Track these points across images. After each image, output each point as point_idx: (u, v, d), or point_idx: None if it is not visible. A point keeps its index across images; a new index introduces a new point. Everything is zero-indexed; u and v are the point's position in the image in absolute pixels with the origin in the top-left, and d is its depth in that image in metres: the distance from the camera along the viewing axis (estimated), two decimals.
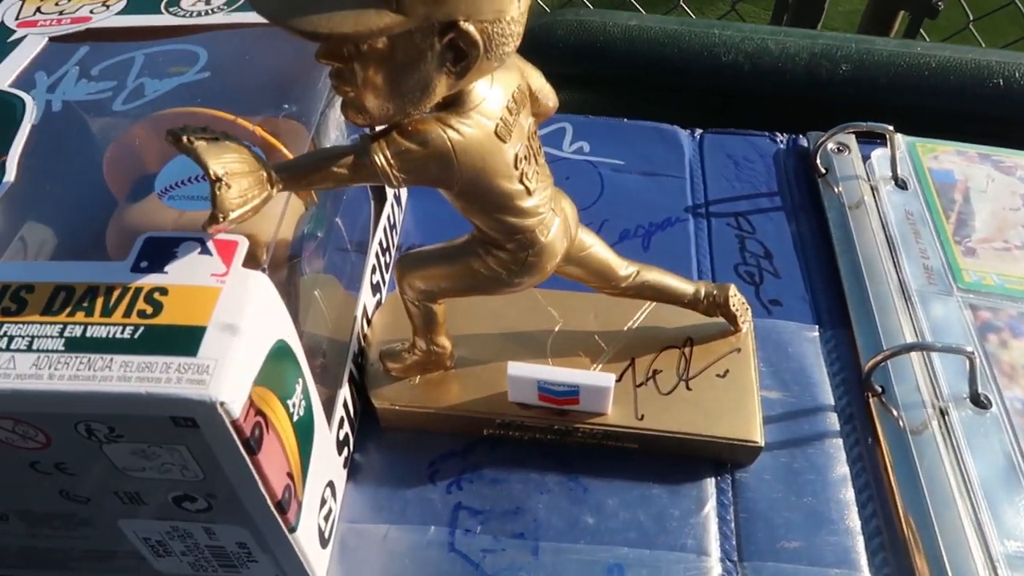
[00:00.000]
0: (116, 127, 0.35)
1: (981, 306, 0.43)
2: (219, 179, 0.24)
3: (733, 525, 0.35)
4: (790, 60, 0.67)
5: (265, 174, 0.27)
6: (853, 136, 0.55)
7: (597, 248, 0.36)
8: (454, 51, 0.25)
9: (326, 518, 0.34)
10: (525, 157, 0.30)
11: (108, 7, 0.41)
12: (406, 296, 0.35)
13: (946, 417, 0.37)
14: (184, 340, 0.25)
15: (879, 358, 0.38)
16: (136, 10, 0.40)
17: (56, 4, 0.41)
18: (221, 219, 0.25)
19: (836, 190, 0.51)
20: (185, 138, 0.25)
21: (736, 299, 0.38)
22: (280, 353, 0.27)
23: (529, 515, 0.35)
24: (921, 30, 1.12)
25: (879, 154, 0.53)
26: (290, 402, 0.28)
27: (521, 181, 0.30)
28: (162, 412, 0.24)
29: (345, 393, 0.36)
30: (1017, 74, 0.63)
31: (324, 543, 0.33)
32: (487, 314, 0.40)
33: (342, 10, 0.24)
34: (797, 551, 0.34)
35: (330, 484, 0.34)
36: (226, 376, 0.24)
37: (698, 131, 0.57)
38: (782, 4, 1.17)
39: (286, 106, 0.34)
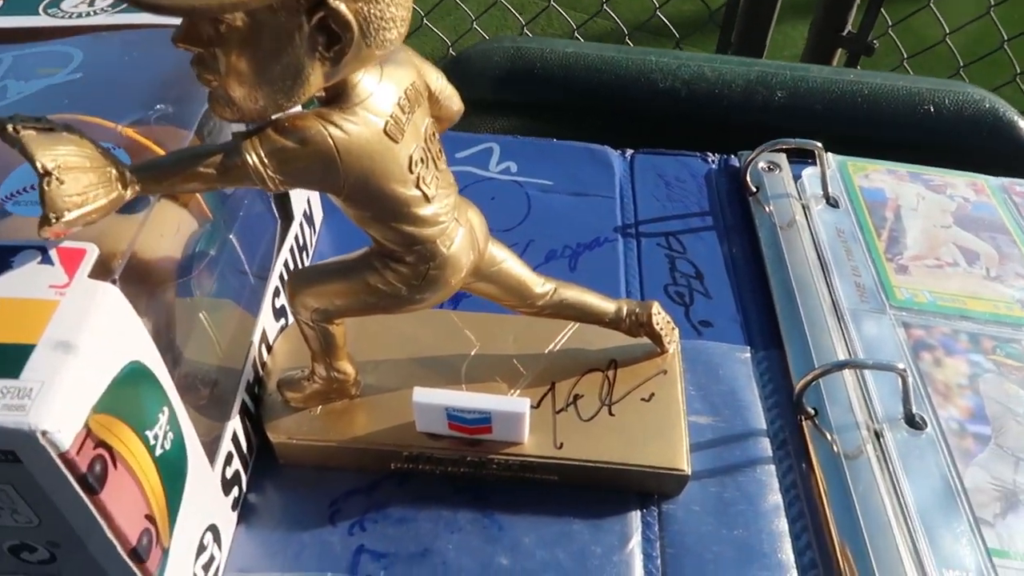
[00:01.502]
0: None
1: (914, 324, 0.41)
2: (48, 173, 0.21)
3: (659, 562, 0.32)
4: (727, 86, 0.67)
5: (114, 171, 0.23)
6: (784, 155, 0.54)
7: (510, 263, 0.33)
8: (326, 33, 0.23)
9: (206, 567, 0.30)
10: (422, 160, 0.28)
11: None
12: (300, 316, 0.32)
13: (881, 439, 0.35)
14: (7, 360, 0.21)
15: (809, 377, 0.36)
16: (12, 11, 0.37)
17: None
18: (54, 220, 0.22)
19: (767, 209, 0.49)
20: (11, 127, 0.21)
21: (660, 317, 0.36)
22: (134, 377, 0.24)
23: (438, 557, 0.32)
24: (858, 67, 1.15)
25: (810, 172, 0.52)
26: (150, 433, 0.25)
27: (417, 186, 0.28)
28: None
29: (235, 426, 0.33)
30: (947, 100, 0.64)
31: None
32: (397, 337, 0.38)
33: None
34: None
35: (212, 528, 0.30)
36: (52, 401, 0.20)
37: (629, 151, 0.55)
38: (725, 44, 1.19)
39: (160, 106, 0.31)
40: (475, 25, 1.30)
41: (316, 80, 0.24)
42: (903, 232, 0.48)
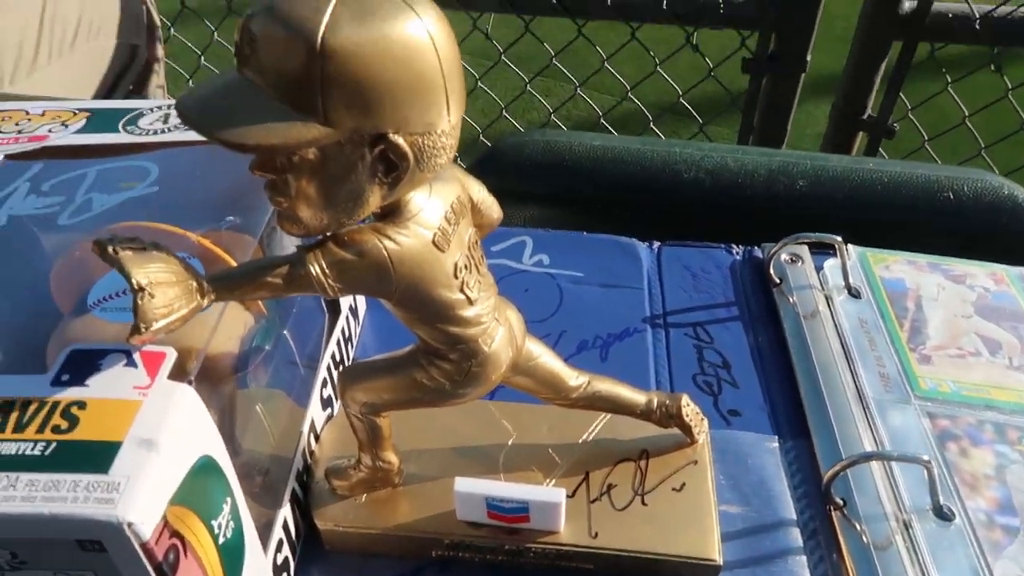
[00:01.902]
0: (62, 241, 0.34)
1: (939, 414, 0.42)
2: (142, 288, 0.24)
3: None
4: (749, 176, 0.70)
5: (195, 284, 0.26)
6: (806, 247, 0.56)
7: (545, 358, 0.35)
8: (385, 162, 0.26)
9: None
10: (466, 266, 0.31)
11: (67, 126, 0.42)
12: (349, 409, 0.34)
13: (910, 530, 0.36)
14: (97, 457, 0.23)
15: (837, 468, 0.37)
16: (94, 129, 0.41)
17: (16, 124, 0.42)
18: (143, 329, 0.24)
19: (791, 300, 0.51)
20: (111, 248, 0.24)
21: (689, 409, 0.38)
22: (204, 470, 0.26)
23: None
24: (880, 149, 1.18)
25: (831, 264, 0.54)
26: (215, 523, 0.27)
27: (462, 290, 0.30)
28: (67, 535, 0.22)
29: (286, 513, 0.35)
30: (966, 188, 0.66)
31: None
32: (438, 427, 0.39)
33: (270, 122, 0.24)
34: None
35: None
36: (138, 495, 0.23)
37: (656, 243, 0.58)
38: (747, 127, 1.23)
39: (230, 218, 0.34)
40: (504, 113, 1.36)
41: (375, 201, 0.27)
42: (925, 322, 0.49)
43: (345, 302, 0.46)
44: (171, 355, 0.27)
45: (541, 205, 0.74)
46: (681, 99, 1.25)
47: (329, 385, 0.42)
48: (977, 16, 1.01)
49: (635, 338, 0.49)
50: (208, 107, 0.25)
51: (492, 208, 0.34)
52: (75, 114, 0.43)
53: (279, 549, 0.34)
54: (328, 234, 0.28)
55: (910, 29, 1.04)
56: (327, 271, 0.28)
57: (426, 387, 0.32)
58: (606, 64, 1.21)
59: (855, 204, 0.67)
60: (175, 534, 0.24)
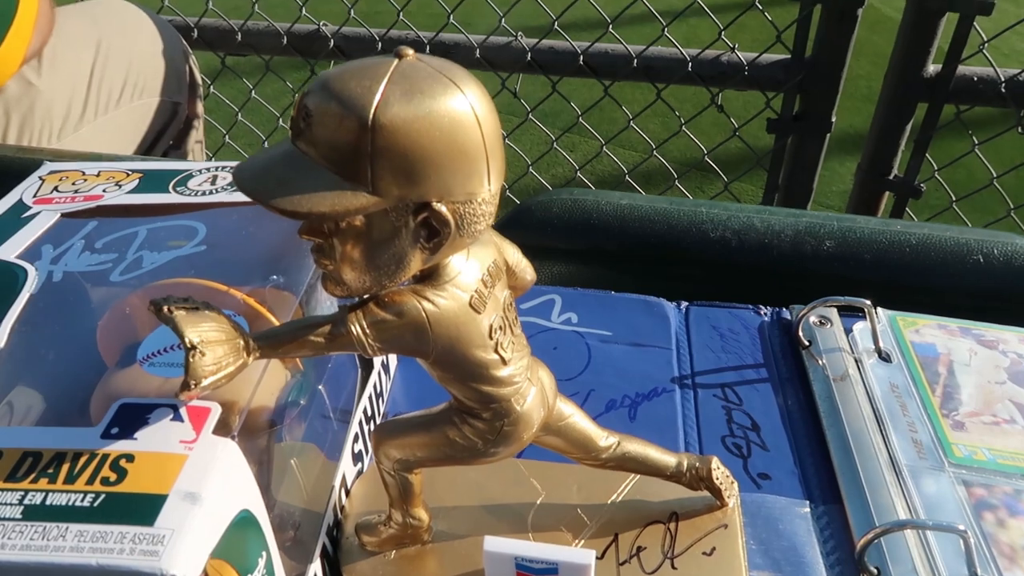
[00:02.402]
0: (112, 296, 0.36)
1: (975, 482, 0.42)
2: (194, 347, 0.25)
3: None
4: (775, 236, 0.70)
5: (242, 342, 0.27)
6: (835, 310, 0.56)
7: (576, 418, 0.36)
8: (427, 229, 0.27)
9: None
10: (500, 328, 0.31)
11: (120, 186, 0.44)
12: (382, 466, 0.35)
13: None
14: (143, 509, 0.24)
15: (871, 536, 0.37)
16: (146, 190, 0.43)
17: (73, 184, 0.44)
18: (193, 386, 0.25)
19: (820, 362, 0.51)
20: (166, 308, 0.26)
21: (720, 472, 0.38)
22: (244, 524, 0.27)
23: None
24: (907, 210, 1.18)
25: (861, 327, 0.54)
26: None
27: (496, 351, 0.31)
28: None
29: (316, 569, 0.35)
30: (996, 251, 0.66)
31: None
32: (468, 484, 0.40)
33: (321, 191, 0.25)
34: None
35: None
36: (181, 548, 0.23)
37: (684, 303, 0.59)
38: (773, 185, 1.24)
39: (274, 277, 0.35)
40: (531, 169, 1.39)
41: (416, 265, 0.28)
42: (957, 388, 0.49)
43: (378, 359, 0.47)
44: (216, 410, 0.28)
45: (568, 262, 0.75)
46: (706, 157, 1.27)
47: (360, 440, 0.43)
48: (1003, 79, 1.02)
49: (663, 398, 0.49)
50: (263, 177, 0.26)
51: (526, 271, 0.35)
52: (128, 175, 0.45)
53: None
54: (369, 295, 0.29)
55: (935, 91, 1.05)
56: (367, 331, 0.29)
57: (459, 445, 0.33)
58: (632, 124, 1.24)
59: (883, 266, 0.67)
60: None
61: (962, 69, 1.03)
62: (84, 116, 0.88)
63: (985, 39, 1.00)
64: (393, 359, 0.50)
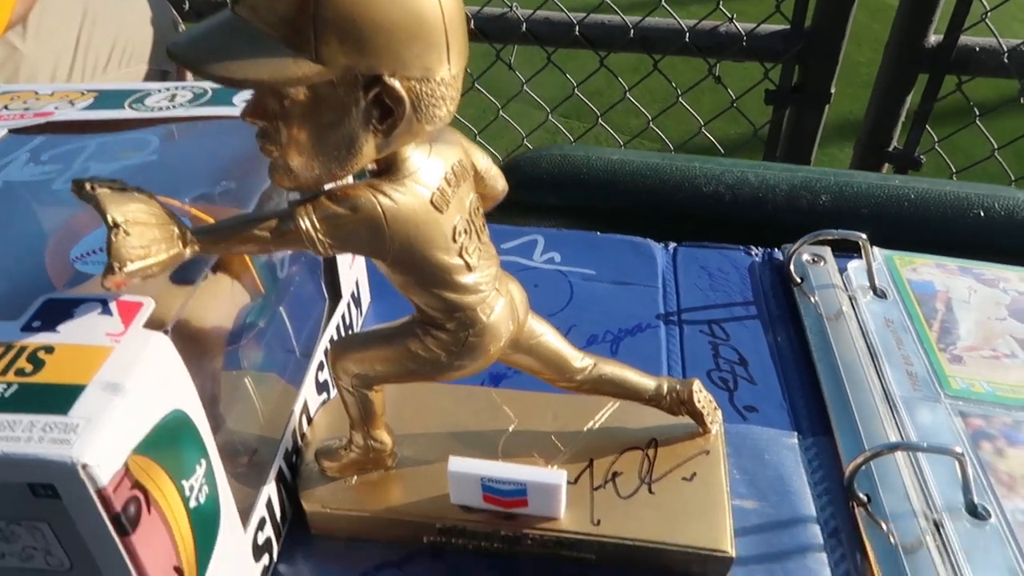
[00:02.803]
0: (54, 205, 0.34)
1: (972, 413, 0.40)
2: (116, 225, 0.23)
3: None
4: (770, 191, 0.68)
5: (177, 230, 0.25)
6: (828, 249, 0.54)
7: (549, 337, 0.34)
8: (380, 107, 0.25)
9: None
10: (465, 231, 0.29)
11: (74, 104, 0.41)
12: (341, 382, 0.33)
13: (941, 529, 0.33)
14: (58, 399, 0.22)
15: (861, 459, 0.35)
16: (100, 107, 0.41)
17: (24, 103, 0.42)
18: (117, 269, 0.23)
19: (812, 300, 0.49)
20: (88, 185, 0.23)
21: (702, 395, 0.36)
22: (176, 425, 0.25)
23: None
24: None
25: (855, 265, 0.51)
26: (186, 484, 0.25)
27: (460, 255, 0.29)
28: (18, 477, 0.21)
29: (270, 491, 0.33)
30: (997, 205, 0.63)
31: None
32: (436, 412, 0.38)
33: (260, 58, 0.23)
34: None
35: None
36: (96, 437, 0.21)
37: (672, 244, 0.56)
38: (770, 159, 1.21)
39: (224, 183, 0.33)
40: (526, 142, 1.36)
41: (368, 151, 0.26)
42: (955, 323, 0.46)
43: (347, 288, 0.45)
44: (149, 304, 0.26)
45: (557, 218, 0.72)
46: (703, 130, 1.24)
47: (326, 369, 0.40)
48: (1005, 49, 0.99)
49: (647, 333, 0.47)
50: (199, 45, 0.24)
51: (497, 179, 0.33)
52: (83, 94, 0.43)
53: (261, 528, 0.32)
54: (321, 190, 0.27)
55: (936, 61, 1.02)
56: (318, 226, 0.27)
57: (421, 358, 0.31)
58: (628, 95, 1.21)
59: (880, 221, 0.64)
60: (137, 485, 0.23)
61: (964, 39, 1.00)
62: (70, 82, 0.86)
63: (988, 7, 0.97)
64: (365, 292, 0.48)
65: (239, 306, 0.35)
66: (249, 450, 0.34)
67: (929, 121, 1.09)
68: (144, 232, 0.24)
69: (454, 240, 0.29)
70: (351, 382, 0.32)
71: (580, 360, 0.34)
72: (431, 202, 0.28)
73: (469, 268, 0.29)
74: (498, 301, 0.31)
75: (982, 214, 0.63)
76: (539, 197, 0.72)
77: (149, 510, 0.23)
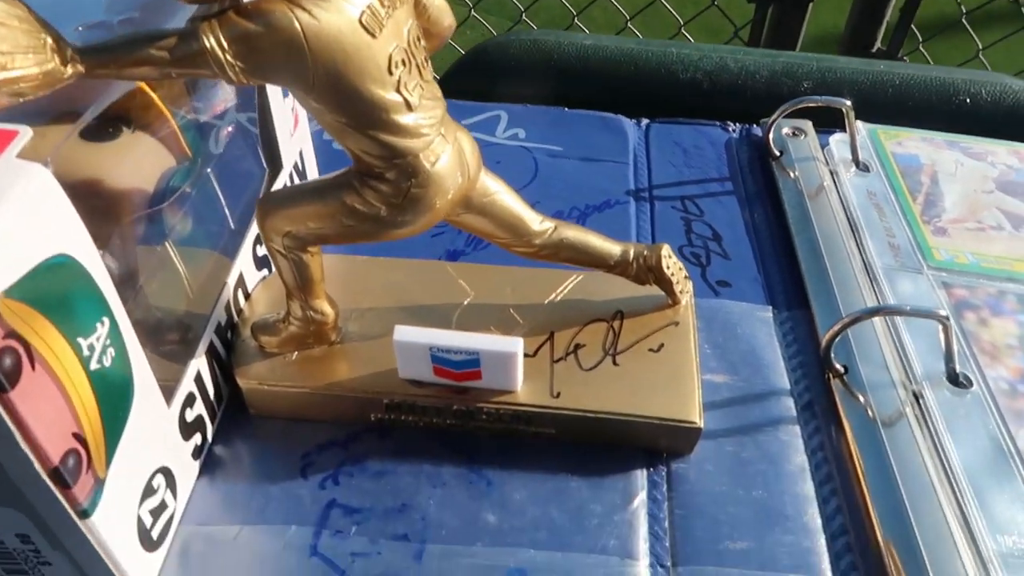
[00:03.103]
0: None
1: (955, 284, 0.37)
2: None
3: (667, 524, 0.28)
4: (750, 77, 0.64)
5: (51, 41, 0.21)
6: (810, 123, 0.50)
7: (504, 195, 0.30)
8: None
9: (154, 513, 0.27)
10: (403, 62, 0.25)
11: None
12: (272, 244, 0.29)
13: (920, 400, 0.32)
14: None
15: (838, 327, 0.32)
16: None
17: None
18: None
19: (792, 174, 0.46)
20: None
21: (671, 261, 0.33)
22: (63, 272, 0.21)
23: (417, 513, 0.28)
24: None
25: (838, 138, 0.48)
26: (83, 342, 0.22)
27: (398, 90, 0.25)
28: None
29: (199, 366, 0.30)
30: (984, 91, 0.60)
31: (151, 544, 0.27)
32: (386, 285, 0.35)
33: None
34: (745, 553, 0.27)
35: (164, 471, 0.27)
36: None
37: (644, 120, 0.53)
38: (755, 42, 1.16)
39: (127, 13, 0.28)
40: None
41: None
42: (940, 196, 0.44)
43: (289, 159, 0.41)
44: (25, 133, 0.22)
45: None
46: (682, 30, 1.18)
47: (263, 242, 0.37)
48: None
49: (616, 209, 0.44)
50: None
51: (443, 12, 0.29)
52: None
53: (190, 404, 0.29)
54: (230, 4, 0.23)
55: None
56: (225, 45, 0.22)
57: (359, 213, 0.27)
58: None
59: (865, 107, 0.61)
60: (14, 335, 0.19)
61: None
62: None
63: None
64: (312, 166, 0.44)
65: (161, 168, 0.31)
66: (179, 326, 0.31)
67: (914, 21, 1.05)
68: (4, 36, 0.20)
69: (390, 72, 0.25)
70: (283, 243, 0.29)
71: (539, 223, 0.31)
72: (361, 22, 0.24)
73: (409, 107, 0.26)
74: (444, 148, 0.27)
75: (968, 100, 0.60)
76: (508, 86, 0.67)
77: (33, 366, 0.20)
